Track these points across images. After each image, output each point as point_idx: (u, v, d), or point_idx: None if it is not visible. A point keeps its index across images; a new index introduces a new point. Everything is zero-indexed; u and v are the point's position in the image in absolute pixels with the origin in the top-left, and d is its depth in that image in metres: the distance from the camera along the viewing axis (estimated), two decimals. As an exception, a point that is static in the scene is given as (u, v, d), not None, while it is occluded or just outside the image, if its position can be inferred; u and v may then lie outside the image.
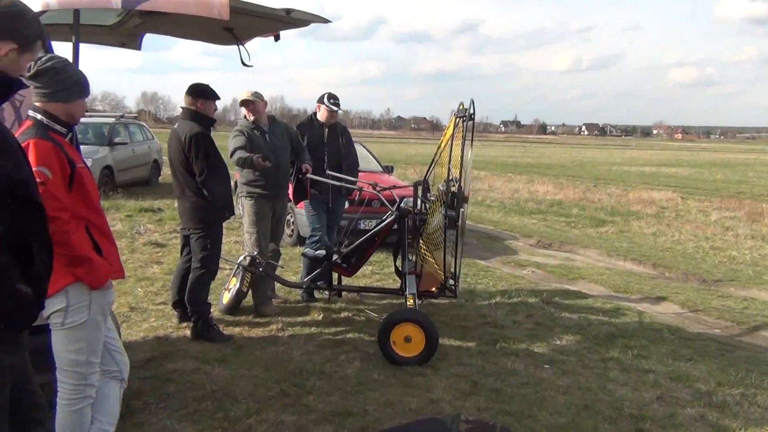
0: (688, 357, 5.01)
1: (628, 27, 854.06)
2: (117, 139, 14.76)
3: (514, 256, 9.27)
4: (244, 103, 5.59)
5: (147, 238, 8.94)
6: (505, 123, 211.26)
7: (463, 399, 4.05)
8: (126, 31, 4.67)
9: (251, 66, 4.79)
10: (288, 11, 4.07)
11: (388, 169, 10.22)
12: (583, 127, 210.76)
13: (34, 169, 2.49)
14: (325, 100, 6.12)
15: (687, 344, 5.34)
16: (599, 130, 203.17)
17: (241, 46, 4.73)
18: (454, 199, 4.87)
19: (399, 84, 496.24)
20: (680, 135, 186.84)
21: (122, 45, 5.04)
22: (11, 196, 2.01)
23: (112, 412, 2.91)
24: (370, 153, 10.40)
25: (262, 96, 5.61)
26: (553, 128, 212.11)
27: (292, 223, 8.88)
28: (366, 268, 7.02)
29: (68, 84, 2.70)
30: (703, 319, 6.27)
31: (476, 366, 4.63)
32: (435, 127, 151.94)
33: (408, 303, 4.89)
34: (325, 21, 4.47)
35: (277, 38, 4.77)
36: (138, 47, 5.03)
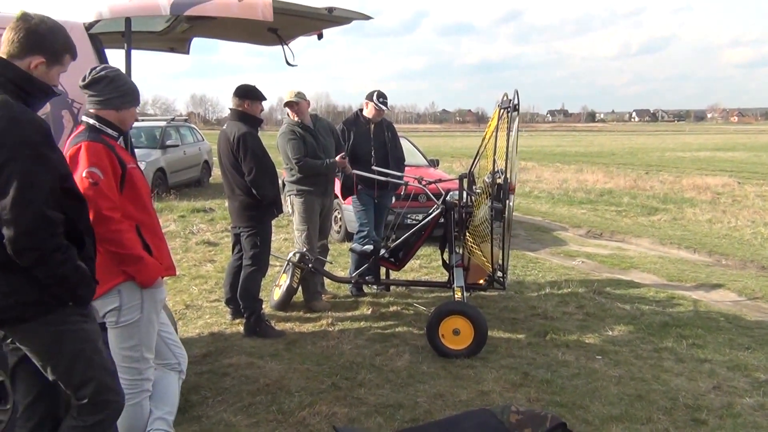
0: (746, 346, 4.89)
1: (680, 8, 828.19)
2: (169, 142, 15.09)
3: (564, 246, 9.16)
4: (288, 104, 5.69)
5: (200, 238, 9.17)
6: (552, 112, 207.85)
7: (513, 390, 4.05)
8: (175, 36, 4.80)
9: (295, 65, 4.86)
10: (330, 9, 4.12)
11: (433, 163, 10.22)
12: (634, 114, 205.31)
13: (86, 170, 2.63)
14: (374, 98, 6.16)
15: (745, 333, 5.21)
16: (650, 116, 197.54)
17: (285, 46, 4.81)
18: (500, 191, 4.86)
19: (443, 77, 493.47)
20: (736, 118, 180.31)
21: (171, 50, 5.18)
22: (60, 187, 2.26)
23: (171, 402, 3.01)
24: (416, 147, 10.41)
25: (305, 96, 5.70)
26: (602, 116, 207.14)
27: (340, 219, 8.97)
28: (414, 262, 7.05)
29: (121, 92, 2.81)
30: (762, 307, 6.09)
31: (526, 358, 4.62)
32: (480, 119, 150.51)
33: (456, 296, 4.91)
34: (367, 17, 4.51)
35: (320, 36, 4.83)
36: (187, 51, 5.16)
